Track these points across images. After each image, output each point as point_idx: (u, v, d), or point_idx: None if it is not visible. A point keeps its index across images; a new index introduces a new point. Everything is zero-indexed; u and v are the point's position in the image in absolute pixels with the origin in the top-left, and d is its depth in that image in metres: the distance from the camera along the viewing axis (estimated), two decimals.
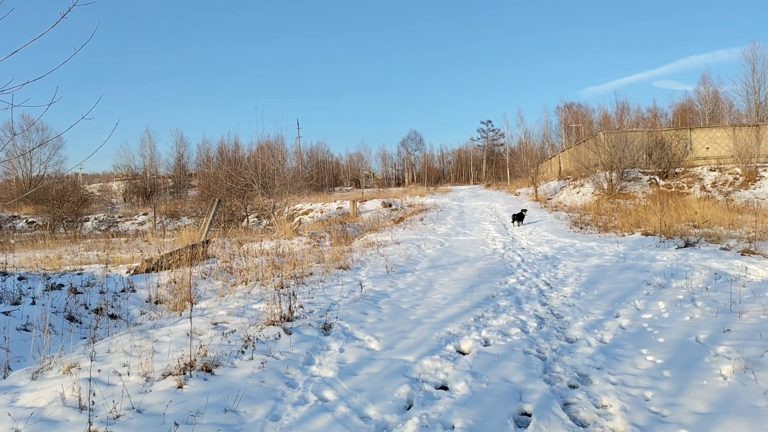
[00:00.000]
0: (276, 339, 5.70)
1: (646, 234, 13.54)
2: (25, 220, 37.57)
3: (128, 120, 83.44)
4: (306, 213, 33.09)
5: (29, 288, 9.05)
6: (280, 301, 6.74)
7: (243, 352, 5.21)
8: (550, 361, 5.13)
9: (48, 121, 63.61)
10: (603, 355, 5.13)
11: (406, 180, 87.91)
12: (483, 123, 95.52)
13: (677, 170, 27.36)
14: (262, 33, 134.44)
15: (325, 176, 77.83)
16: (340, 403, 4.26)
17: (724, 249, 10.32)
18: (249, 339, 5.57)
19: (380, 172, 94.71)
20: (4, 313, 6.67)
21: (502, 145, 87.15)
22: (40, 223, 35.46)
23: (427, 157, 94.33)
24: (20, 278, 10.28)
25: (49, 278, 10.05)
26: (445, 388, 4.61)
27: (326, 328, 6.19)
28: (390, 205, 32.50)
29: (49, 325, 6.17)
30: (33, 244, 22.33)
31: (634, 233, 14.13)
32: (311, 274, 9.83)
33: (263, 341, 5.60)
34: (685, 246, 11.01)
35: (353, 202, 30.90)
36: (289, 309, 6.57)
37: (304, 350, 5.42)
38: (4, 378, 4.71)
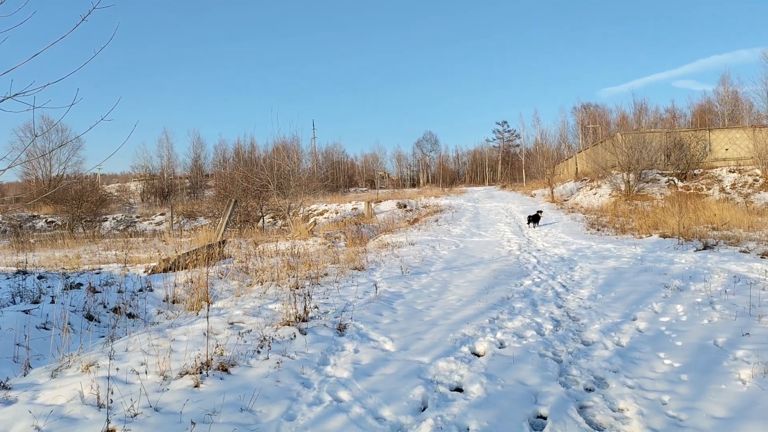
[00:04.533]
0: (291, 339, 5.73)
1: (664, 236, 13.39)
2: (44, 220, 38.14)
3: (146, 121, 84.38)
4: (321, 214, 33.20)
5: (49, 287, 9.20)
6: (295, 302, 6.77)
7: (259, 352, 5.25)
8: (566, 363, 5.09)
9: (67, 122, 64.59)
10: (620, 359, 5.09)
11: (421, 181, 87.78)
12: (498, 124, 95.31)
13: (696, 172, 27.04)
14: (277, 33, 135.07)
15: (340, 177, 77.99)
16: (355, 403, 4.27)
17: (744, 252, 10.17)
18: (265, 339, 5.60)
19: (395, 173, 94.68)
20: (24, 311, 6.77)
21: (517, 146, 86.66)
22: (60, 223, 35.97)
23: (442, 158, 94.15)
24: (40, 277, 10.46)
25: (68, 277, 10.21)
26: (459, 390, 4.60)
27: (341, 329, 6.21)
28: (405, 206, 32.49)
29: (68, 323, 6.26)
30: (52, 243, 22.69)
31: (651, 235, 13.98)
32: (326, 274, 9.86)
33: (279, 341, 5.63)
34: (704, 248, 10.88)
35: (368, 202, 30.93)
36: (305, 309, 6.60)
37: (319, 350, 5.44)
38: (25, 376, 4.79)
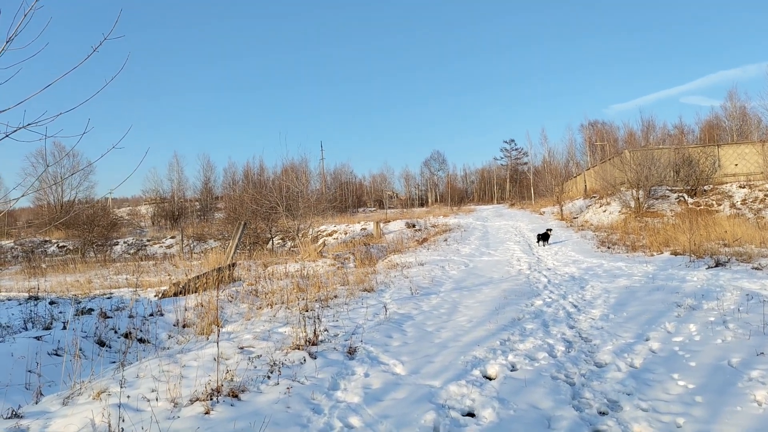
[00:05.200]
0: (301, 363, 5.72)
1: (676, 253, 13.28)
2: (56, 245, 38.45)
3: (157, 145, 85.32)
4: (330, 234, 33.25)
5: (60, 312, 9.25)
6: (305, 325, 6.76)
7: (269, 377, 5.23)
8: (578, 386, 5.04)
9: (78, 147, 65.31)
10: (633, 380, 5.03)
11: (430, 200, 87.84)
12: (506, 142, 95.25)
13: (706, 187, 26.89)
14: (284, 51, 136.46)
15: (348, 197, 78.25)
16: (365, 429, 4.24)
17: (756, 269, 10.07)
18: (275, 363, 5.59)
19: (403, 193, 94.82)
20: (36, 338, 6.81)
21: (525, 164, 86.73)
22: (71, 248, 36.24)
23: (450, 177, 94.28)
24: (51, 303, 10.53)
25: (79, 302, 10.26)
26: (471, 414, 4.56)
27: (351, 352, 6.19)
28: (413, 226, 32.48)
29: (80, 349, 6.28)
30: (64, 268, 22.85)
31: (663, 252, 13.88)
32: (336, 296, 9.85)
33: (289, 366, 5.61)
34: (716, 266, 10.78)
35: (377, 223, 30.96)
36: (314, 332, 6.59)
37: (329, 375, 5.42)
38: (37, 403, 4.80)
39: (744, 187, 26.27)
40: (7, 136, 3.59)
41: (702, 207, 24.94)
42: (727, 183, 27.38)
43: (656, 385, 4.91)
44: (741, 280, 9.01)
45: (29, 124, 3.61)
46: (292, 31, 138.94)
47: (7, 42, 3.51)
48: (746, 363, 5.14)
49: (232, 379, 5.05)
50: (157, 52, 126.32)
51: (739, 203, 25.03)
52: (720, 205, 25.15)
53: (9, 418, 4.33)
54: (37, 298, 11.39)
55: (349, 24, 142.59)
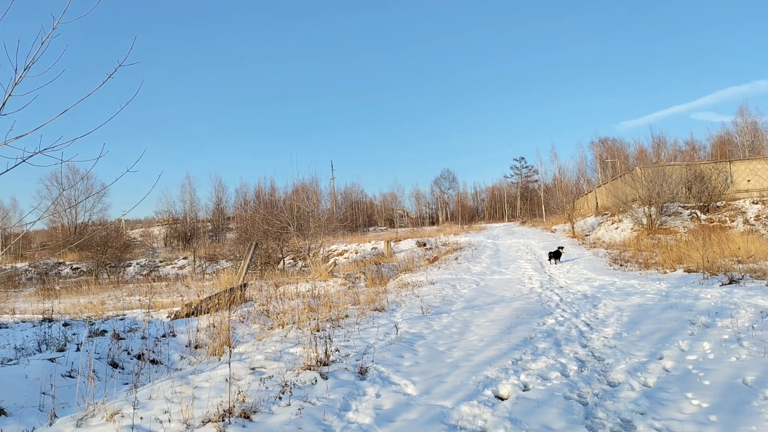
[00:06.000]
0: (313, 384, 5.72)
1: (689, 270, 13.17)
2: (70, 267, 38.79)
3: (169, 167, 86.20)
4: (341, 254, 33.30)
5: (74, 334, 9.33)
6: (316, 345, 6.77)
7: (280, 398, 5.24)
8: (591, 406, 5.00)
9: (92, 170, 66.14)
10: (647, 400, 4.98)
11: (440, 219, 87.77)
12: (516, 160, 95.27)
13: (718, 204, 26.69)
14: (294, 73, 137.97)
15: (359, 216, 78.37)
16: None
17: None
18: (286, 384, 5.60)
19: (414, 212, 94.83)
20: (50, 359, 6.87)
21: (536, 181, 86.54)
22: (85, 269, 36.54)
23: (460, 195, 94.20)
24: (65, 324, 10.61)
25: (92, 324, 10.34)
26: None
27: (362, 372, 6.19)
28: (424, 245, 32.46)
29: (93, 371, 6.32)
30: (77, 289, 23.05)
31: (676, 270, 13.76)
32: (347, 316, 9.86)
33: (300, 386, 5.62)
34: (730, 283, 10.67)
35: (387, 242, 30.98)
36: (326, 353, 6.60)
37: (341, 395, 5.41)
38: (51, 425, 4.83)
39: (757, 203, 26.05)
40: (24, 161, 3.68)
41: (715, 223, 24.73)
42: (739, 199, 27.17)
43: (670, 404, 4.85)
44: (755, 297, 8.92)
45: (45, 149, 3.69)
46: (302, 47, 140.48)
47: (25, 69, 3.62)
48: (761, 381, 5.08)
49: (243, 400, 5.06)
50: (168, 68, 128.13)
51: (752, 219, 24.80)
52: (733, 221, 24.93)
53: None
54: (51, 320, 11.49)
55: (361, 39, 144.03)
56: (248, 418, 4.73)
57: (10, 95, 3.64)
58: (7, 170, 3.72)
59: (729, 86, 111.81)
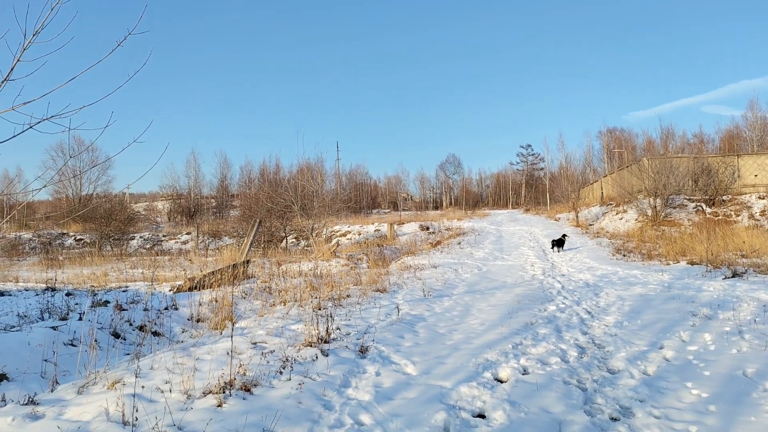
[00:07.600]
0: (313, 360, 5.75)
1: (692, 263, 13.14)
2: (73, 238, 38.93)
3: (175, 141, 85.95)
4: (344, 235, 33.33)
5: (76, 304, 9.38)
6: (317, 323, 6.80)
7: (281, 373, 5.27)
8: (591, 392, 5.01)
9: (98, 142, 66.12)
10: (646, 388, 4.99)
11: (444, 203, 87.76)
12: (522, 147, 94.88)
13: (724, 197, 26.57)
14: (302, 54, 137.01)
15: (363, 198, 78.34)
16: (376, 427, 4.25)
17: None
18: (287, 359, 5.62)
19: (418, 195, 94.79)
20: (52, 327, 6.91)
21: (542, 169, 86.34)
22: (88, 241, 36.68)
23: (465, 181, 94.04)
24: (68, 294, 10.68)
25: (95, 294, 10.40)
26: (482, 416, 4.55)
27: (363, 351, 6.21)
28: (427, 228, 32.45)
29: (95, 340, 6.35)
30: (81, 260, 23.15)
31: (679, 262, 13.74)
32: (348, 296, 9.88)
33: (301, 362, 5.65)
34: (733, 276, 10.65)
35: (391, 224, 30.99)
36: (327, 331, 6.63)
37: (341, 372, 5.44)
38: (52, 391, 4.87)
39: (763, 198, 25.92)
40: (31, 127, 3.66)
41: (720, 217, 24.65)
42: (746, 193, 27.05)
43: (669, 393, 4.86)
44: (758, 291, 8.90)
45: (53, 116, 3.67)
46: (310, 27, 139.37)
47: (34, 35, 3.59)
48: (762, 374, 5.08)
49: (244, 374, 5.09)
50: (177, 44, 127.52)
51: (757, 214, 24.70)
52: (738, 215, 24.83)
53: (26, 404, 4.40)
54: (54, 289, 11.57)
55: (370, 22, 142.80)
56: (249, 390, 4.76)
57: (18, 60, 3.60)
58: (14, 136, 3.70)
59: (741, 79, 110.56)
